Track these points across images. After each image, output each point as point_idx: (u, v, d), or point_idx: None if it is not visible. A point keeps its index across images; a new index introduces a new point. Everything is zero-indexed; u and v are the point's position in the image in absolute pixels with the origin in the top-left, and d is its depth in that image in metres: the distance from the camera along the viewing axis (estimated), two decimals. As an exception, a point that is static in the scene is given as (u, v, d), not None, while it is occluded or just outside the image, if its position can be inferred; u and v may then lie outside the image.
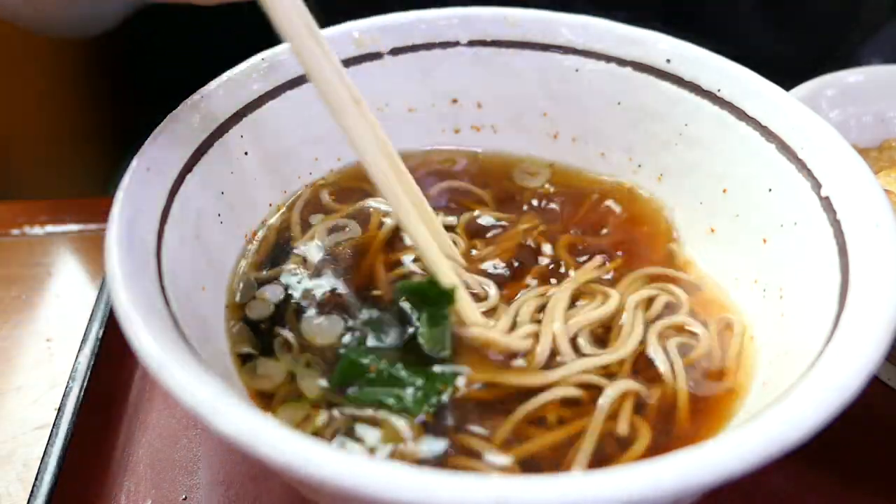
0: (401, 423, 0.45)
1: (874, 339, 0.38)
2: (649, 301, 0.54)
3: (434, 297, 0.50)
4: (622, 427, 0.46)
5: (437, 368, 0.48)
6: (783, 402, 0.36)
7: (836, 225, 0.47)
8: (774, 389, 0.42)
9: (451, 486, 0.31)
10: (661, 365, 0.49)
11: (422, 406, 0.46)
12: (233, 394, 0.36)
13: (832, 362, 0.38)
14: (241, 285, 0.54)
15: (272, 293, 0.53)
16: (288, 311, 0.52)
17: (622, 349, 0.50)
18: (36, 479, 0.51)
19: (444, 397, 0.46)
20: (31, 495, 0.50)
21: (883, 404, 0.58)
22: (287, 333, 0.50)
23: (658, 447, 0.45)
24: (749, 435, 0.34)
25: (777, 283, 0.51)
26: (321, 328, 0.51)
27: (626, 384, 0.48)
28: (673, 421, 0.47)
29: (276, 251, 0.56)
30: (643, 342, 0.51)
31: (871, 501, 0.53)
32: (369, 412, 0.45)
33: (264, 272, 0.55)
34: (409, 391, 0.46)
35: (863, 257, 0.44)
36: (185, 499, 0.53)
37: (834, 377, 0.37)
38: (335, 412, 0.46)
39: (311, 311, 0.52)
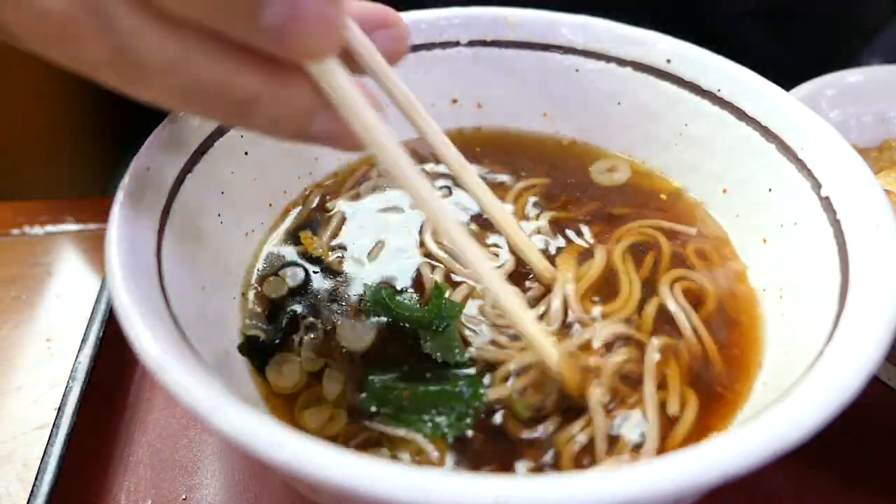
0: (429, 446, 0.45)
1: (874, 339, 0.38)
2: (640, 254, 0.56)
3: (436, 320, 0.49)
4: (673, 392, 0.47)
5: (460, 382, 0.47)
6: (783, 402, 0.36)
7: (836, 225, 0.47)
8: (774, 389, 0.42)
9: (451, 486, 0.31)
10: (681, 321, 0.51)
11: (461, 425, 0.45)
12: (233, 393, 0.36)
13: (832, 362, 0.38)
14: (265, 263, 0.55)
15: (293, 276, 0.54)
16: (315, 307, 0.53)
17: (629, 303, 0.52)
18: (36, 479, 0.51)
19: (474, 415, 0.46)
20: (31, 495, 0.50)
21: (883, 404, 0.58)
22: (313, 329, 0.51)
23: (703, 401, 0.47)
24: (749, 435, 0.34)
25: (777, 283, 0.51)
26: (354, 332, 0.50)
27: (662, 341, 0.49)
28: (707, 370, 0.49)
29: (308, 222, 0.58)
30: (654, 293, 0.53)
31: (871, 501, 0.53)
32: (401, 432, 0.45)
33: (288, 248, 0.56)
34: (443, 418, 0.45)
35: (863, 257, 0.44)
36: (184, 499, 0.53)
37: (834, 377, 0.37)
38: (362, 423, 0.46)
39: (342, 311, 0.52)
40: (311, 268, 0.55)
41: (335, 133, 0.38)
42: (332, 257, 0.56)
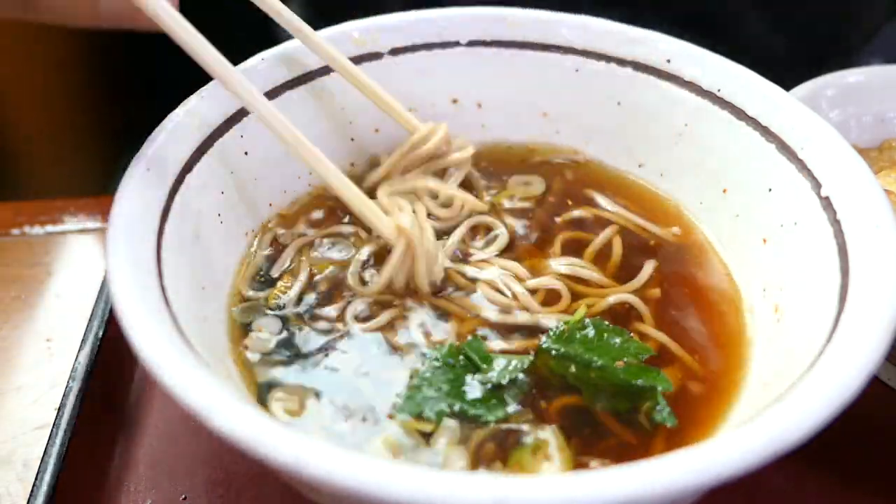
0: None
1: (874, 339, 0.38)
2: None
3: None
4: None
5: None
6: (783, 402, 0.36)
7: (836, 225, 0.47)
8: (774, 389, 0.42)
9: (451, 486, 0.31)
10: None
11: None
12: (233, 394, 0.36)
13: (832, 362, 0.38)
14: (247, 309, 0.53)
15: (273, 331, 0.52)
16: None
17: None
18: (36, 479, 0.51)
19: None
20: (31, 495, 0.50)
21: (883, 404, 0.58)
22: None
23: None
24: (749, 435, 0.34)
25: (777, 283, 0.51)
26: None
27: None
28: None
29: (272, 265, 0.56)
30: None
31: (871, 501, 0.53)
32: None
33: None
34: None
35: (863, 257, 0.44)
36: (184, 499, 0.53)
37: (834, 377, 0.37)
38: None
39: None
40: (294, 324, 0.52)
41: (124, 12, 0.43)
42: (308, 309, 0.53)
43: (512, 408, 0.46)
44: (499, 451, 0.44)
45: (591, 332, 0.50)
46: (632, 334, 0.51)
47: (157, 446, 0.56)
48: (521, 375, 0.48)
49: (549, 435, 0.45)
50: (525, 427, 0.45)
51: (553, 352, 0.49)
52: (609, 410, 0.47)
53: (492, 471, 0.43)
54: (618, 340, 0.49)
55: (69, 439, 0.53)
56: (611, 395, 0.47)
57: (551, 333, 0.50)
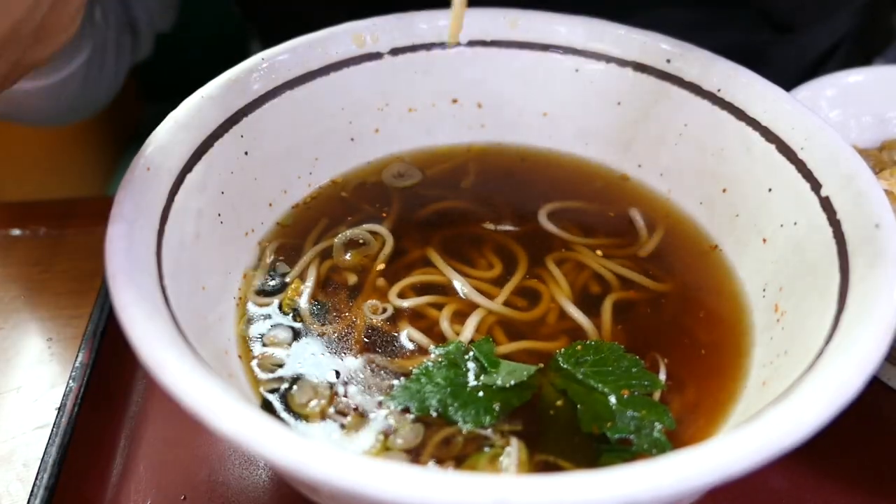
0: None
1: (874, 339, 0.38)
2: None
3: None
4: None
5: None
6: (783, 402, 0.36)
7: (836, 225, 0.47)
8: (774, 389, 0.42)
9: (451, 486, 0.31)
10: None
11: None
12: (233, 394, 0.36)
13: (832, 362, 0.38)
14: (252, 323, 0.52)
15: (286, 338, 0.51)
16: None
17: None
18: (36, 479, 0.51)
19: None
20: (31, 495, 0.50)
21: (883, 404, 0.58)
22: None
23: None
24: (749, 435, 0.34)
25: (777, 283, 0.51)
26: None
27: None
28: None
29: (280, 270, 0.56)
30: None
31: (871, 501, 0.53)
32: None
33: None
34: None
35: (863, 257, 0.44)
36: (184, 499, 0.53)
37: (834, 377, 0.37)
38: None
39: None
40: (299, 326, 0.52)
41: None
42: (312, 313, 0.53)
43: (498, 415, 0.46)
44: (457, 450, 0.44)
45: (605, 355, 0.49)
46: (646, 365, 0.49)
47: (157, 446, 0.56)
48: (522, 384, 0.47)
49: (513, 448, 0.44)
50: (492, 434, 0.45)
51: (562, 368, 0.49)
52: (595, 434, 0.45)
53: (442, 467, 0.43)
54: (631, 368, 0.48)
55: (69, 439, 0.53)
56: (605, 421, 0.46)
57: (564, 350, 0.50)
